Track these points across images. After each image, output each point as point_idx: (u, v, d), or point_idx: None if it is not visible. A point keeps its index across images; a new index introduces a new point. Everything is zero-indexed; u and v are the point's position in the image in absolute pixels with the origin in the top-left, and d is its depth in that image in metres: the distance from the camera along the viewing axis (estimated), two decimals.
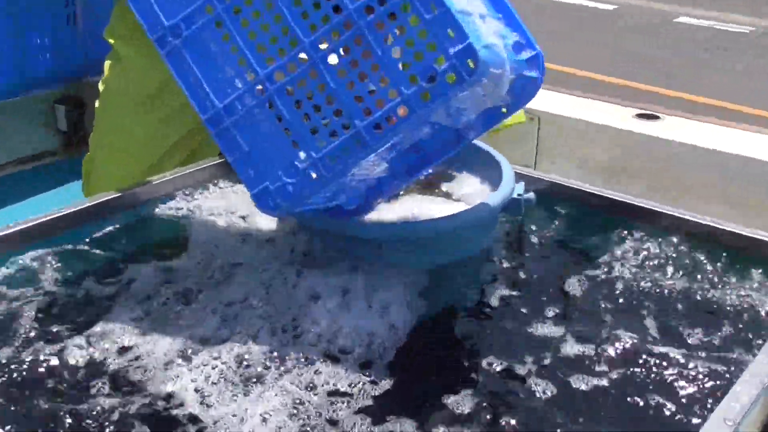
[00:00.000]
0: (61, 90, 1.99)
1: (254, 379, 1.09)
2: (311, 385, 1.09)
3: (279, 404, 1.05)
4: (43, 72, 1.93)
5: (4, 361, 1.11)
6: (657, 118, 1.91)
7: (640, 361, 1.15)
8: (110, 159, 1.64)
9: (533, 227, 1.49)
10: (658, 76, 5.12)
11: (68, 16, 1.93)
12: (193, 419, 1.03)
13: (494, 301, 1.31)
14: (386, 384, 1.09)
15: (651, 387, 1.10)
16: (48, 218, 1.34)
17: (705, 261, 1.38)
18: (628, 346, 1.17)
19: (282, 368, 1.12)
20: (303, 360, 1.13)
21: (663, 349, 1.17)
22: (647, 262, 1.40)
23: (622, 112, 1.94)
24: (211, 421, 1.02)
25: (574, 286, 1.34)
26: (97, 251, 1.37)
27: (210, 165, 1.60)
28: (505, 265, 1.40)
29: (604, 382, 1.12)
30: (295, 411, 1.04)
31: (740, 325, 1.24)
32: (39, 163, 2.00)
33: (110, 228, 1.44)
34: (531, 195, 1.37)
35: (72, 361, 1.13)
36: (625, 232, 1.45)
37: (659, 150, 1.83)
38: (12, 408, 1.04)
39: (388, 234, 1.31)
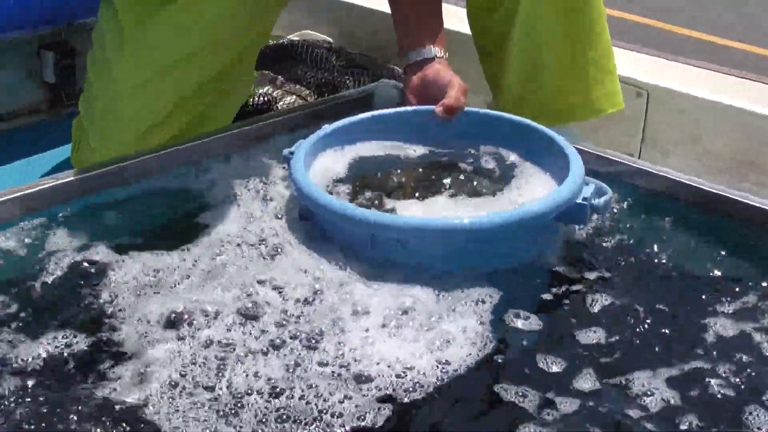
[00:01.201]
0: (49, 33, 1.86)
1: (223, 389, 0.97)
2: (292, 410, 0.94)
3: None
4: (29, 9, 1.80)
5: None
6: None
7: None
8: (101, 124, 1.52)
9: (629, 235, 1.30)
10: None
11: None
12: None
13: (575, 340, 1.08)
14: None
15: None
16: (30, 191, 1.25)
17: None
18: None
19: (265, 383, 0.98)
20: (301, 381, 0.98)
21: None
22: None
23: (755, 90, 1.73)
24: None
25: (670, 321, 1.12)
26: (89, 230, 1.26)
27: (225, 135, 1.47)
28: (588, 288, 1.19)
29: None
30: None
31: None
32: (19, 122, 1.89)
33: (105, 204, 1.32)
34: (602, 200, 1.22)
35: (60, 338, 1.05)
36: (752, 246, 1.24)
37: None
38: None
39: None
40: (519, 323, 1.09)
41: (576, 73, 1.53)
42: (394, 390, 0.96)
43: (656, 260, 1.24)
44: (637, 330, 1.10)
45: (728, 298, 1.15)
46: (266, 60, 1.99)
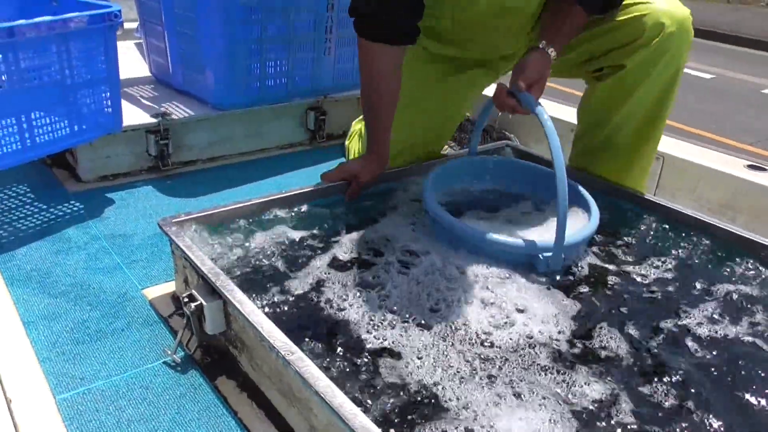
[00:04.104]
0: (312, 101, 1.93)
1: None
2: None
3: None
4: (303, 87, 1.89)
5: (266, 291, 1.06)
6: (765, 170, 1.60)
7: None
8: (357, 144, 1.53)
9: (650, 244, 1.26)
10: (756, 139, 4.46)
11: (325, 48, 1.86)
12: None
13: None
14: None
15: None
16: (304, 191, 1.29)
17: None
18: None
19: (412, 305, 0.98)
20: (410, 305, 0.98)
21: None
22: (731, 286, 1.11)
23: (730, 160, 1.66)
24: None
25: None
26: (339, 214, 1.29)
27: (416, 166, 1.46)
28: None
29: None
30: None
31: None
32: (293, 150, 1.96)
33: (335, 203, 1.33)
34: (554, 263, 1.07)
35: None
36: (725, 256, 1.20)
37: (764, 195, 1.53)
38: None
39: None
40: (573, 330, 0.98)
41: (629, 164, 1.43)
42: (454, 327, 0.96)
43: (671, 262, 1.20)
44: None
45: (712, 289, 1.12)
46: None
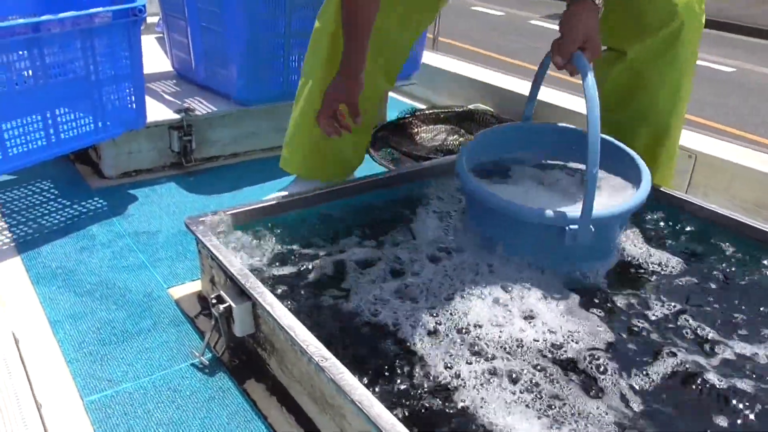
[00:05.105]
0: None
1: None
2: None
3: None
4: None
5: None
6: None
7: None
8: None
9: (678, 239, 1.23)
10: None
11: None
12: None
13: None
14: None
15: None
16: (333, 188, 1.26)
17: None
18: None
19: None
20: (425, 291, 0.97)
21: None
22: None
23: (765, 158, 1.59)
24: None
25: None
26: (368, 211, 1.27)
27: (438, 163, 1.43)
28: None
29: None
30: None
31: None
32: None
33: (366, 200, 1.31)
34: (582, 236, 0.99)
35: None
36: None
37: None
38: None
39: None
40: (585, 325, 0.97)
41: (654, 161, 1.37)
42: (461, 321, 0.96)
43: (697, 259, 1.17)
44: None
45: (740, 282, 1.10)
46: (455, 119, 1.99)
